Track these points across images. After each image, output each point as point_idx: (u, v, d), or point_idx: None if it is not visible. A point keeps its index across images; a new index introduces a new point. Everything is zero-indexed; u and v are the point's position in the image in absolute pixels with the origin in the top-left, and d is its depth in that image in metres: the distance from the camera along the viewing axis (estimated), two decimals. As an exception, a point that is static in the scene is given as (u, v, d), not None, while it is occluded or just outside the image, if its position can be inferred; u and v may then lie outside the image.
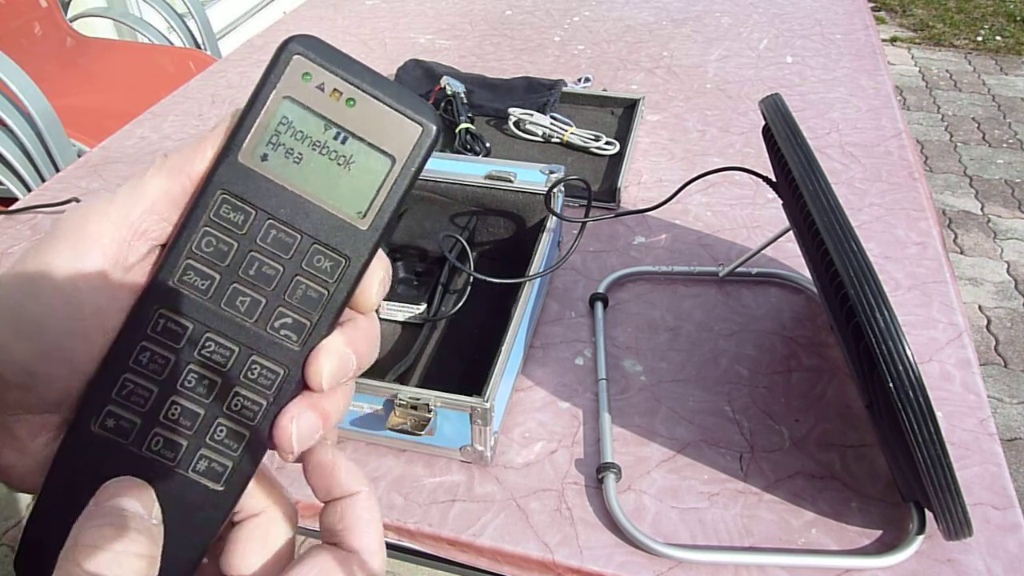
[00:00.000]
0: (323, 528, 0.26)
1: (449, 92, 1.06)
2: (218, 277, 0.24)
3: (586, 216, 0.69)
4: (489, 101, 1.08)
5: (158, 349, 0.24)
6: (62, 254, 0.23)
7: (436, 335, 0.70)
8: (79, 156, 1.27)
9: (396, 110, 0.24)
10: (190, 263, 0.24)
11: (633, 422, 0.64)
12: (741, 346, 0.71)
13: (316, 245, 0.25)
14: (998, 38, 3.55)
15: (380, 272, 0.26)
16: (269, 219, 0.24)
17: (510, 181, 0.74)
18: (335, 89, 0.24)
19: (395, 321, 0.72)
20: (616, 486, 0.58)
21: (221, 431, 0.25)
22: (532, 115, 1.02)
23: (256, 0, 3.07)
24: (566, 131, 1.00)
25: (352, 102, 0.24)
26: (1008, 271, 2.13)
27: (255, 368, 0.25)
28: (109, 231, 0.23)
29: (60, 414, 0.25)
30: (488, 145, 0.99)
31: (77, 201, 0.90)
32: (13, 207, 0.93)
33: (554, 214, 0.72)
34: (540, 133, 1.02)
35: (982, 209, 2.38)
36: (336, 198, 0.24)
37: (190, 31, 2.09)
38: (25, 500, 1.52)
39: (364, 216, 0.25)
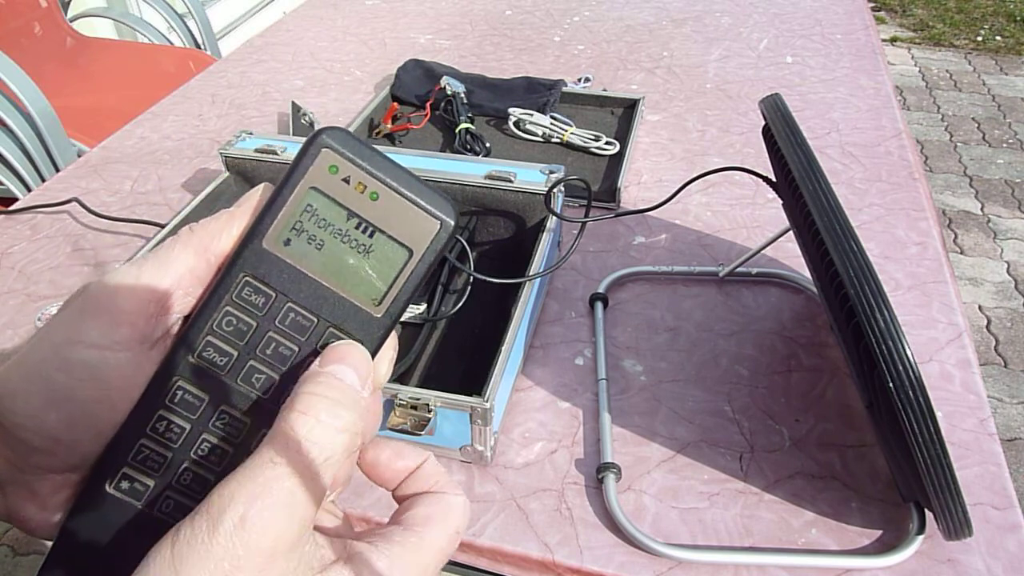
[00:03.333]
0: (412, 492, 0.27)
1: (449, 92, 1.06)
2: (236, 354, 0.26)
3: (586, 216, 0.69)
4: (489, 101, 1.08)
5: (174, 419, 0.25)
6: (93, 329, 0.24)
7: (436, 335, 0.70)
8: (79, 156, 1.27)
9: (417, 205, 0.25)
10: (210, 339, 0.25)
11: (633, 422, 0.64)
12: (741, 346, 0.71)
13: (331, 329, 0.26)
14: (998, 38, 3.55)
15: (390, 352, 0.27)
16: (288, 302, 0.25)
17: (510, 181, 0.74)
18: (360, 183, 0.25)
19: (395, 321, 0.72)
20: (616, 486, 0.58)
21: None
22: (532, 115, 1.02)
23: (256, 0, 3.07)
24: (566, 131, 1.00)
25: (376, 196, 0.25)
26: (1008, 271, 2.13)
27: None
28: (137, 307, 0.24)
29: (80, 473, 0.26)
30: (488, 145, 0.99)
31: (78, 201, 0.90)
32: (13, 207, 0.93)
33: (554, 214, 0.72)
34: (540, 133, 1.01)
35: (982, 209, 2.38)
36: (353, 285, 0.26)
37: (190, 31, 2.09)
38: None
39: (379, 304, 0.26)
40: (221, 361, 0.25)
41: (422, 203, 0.25)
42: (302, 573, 0.22)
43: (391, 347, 0.27)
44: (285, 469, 0.22)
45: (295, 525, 0.22)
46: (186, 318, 0.26)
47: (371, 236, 0.25)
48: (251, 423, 0.26)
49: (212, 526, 0.21)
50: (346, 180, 0.25)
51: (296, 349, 0.26)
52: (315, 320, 0.26)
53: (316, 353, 0.26)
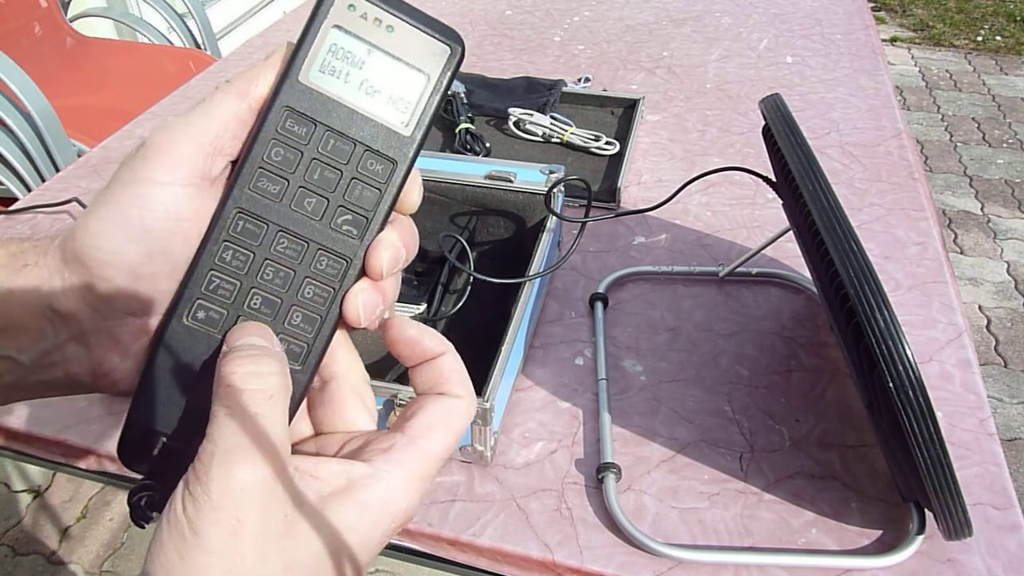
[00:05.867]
0: (422, 384, 0.30)
1: (449, 92, 1.06)
2: (287, 182, 0.28)
3: (586, 216, 0.69)
4: (489, 101, 1.08)
5: (239, 248, 0.28)
6: (160, 168, 0.27)
7: (436, 335, 0.70)
8: (79, 156, 1.27)
9: (428, 34, 0.28)
10: (262, 171, 0.28)
11: (633, 422, 0.64)
12: (741, 346, 0.71)
13: (368, 152, 0.28)
14: (998, 38, 3.55)
15: (419, 177, 0.30)
16: (328, 130, 0.28)
17: (510, 181, 0.74)
18: (376, 18, 0.28)
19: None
20: (616, 486, 0.58)
21: (297, 317, 0.29)
22: (532, 115, 1.02)
23: (256, 0, 3.07)
24: (566, 131, 1.00)
25: (391, 28, 0.28)
26: (1008, 271, 2.13)
27: (323, 260, 0.29)
28: (194, 149, 0.27)
29: (157, 316, 0.28)
30: (488, 145, 0.99)
31: (77, 201, 0.90)
32: (13, 207, 0.93)
33: (554, 214, 0.72)
34: (540, 133, 1.01)
35: (982, 209, 2.38)
36: (382, 109, 0.29)
37: (190, 31, 2.09)
38: (25, 501, 1.52)
39: (407, 125, 0.29)
40: (274, 190, 0.28)
41: (432, 32, 0.28)
42: (289, 509, 0.24)
43: (418, 174, 0.30)
44: (237, 422, 0.24)
45: (269, 463, 0.24)
46: (233, 163, 0.28)
47: (391, 65, 0.28)
48: (308, 245, 0.28)
49: (200, 486, 0.23)
50: (364, 16, 0.28)
51: (340, 172, 0.28)
52: (353, 144, 0.28)
53: (359, 176, 0.28)
